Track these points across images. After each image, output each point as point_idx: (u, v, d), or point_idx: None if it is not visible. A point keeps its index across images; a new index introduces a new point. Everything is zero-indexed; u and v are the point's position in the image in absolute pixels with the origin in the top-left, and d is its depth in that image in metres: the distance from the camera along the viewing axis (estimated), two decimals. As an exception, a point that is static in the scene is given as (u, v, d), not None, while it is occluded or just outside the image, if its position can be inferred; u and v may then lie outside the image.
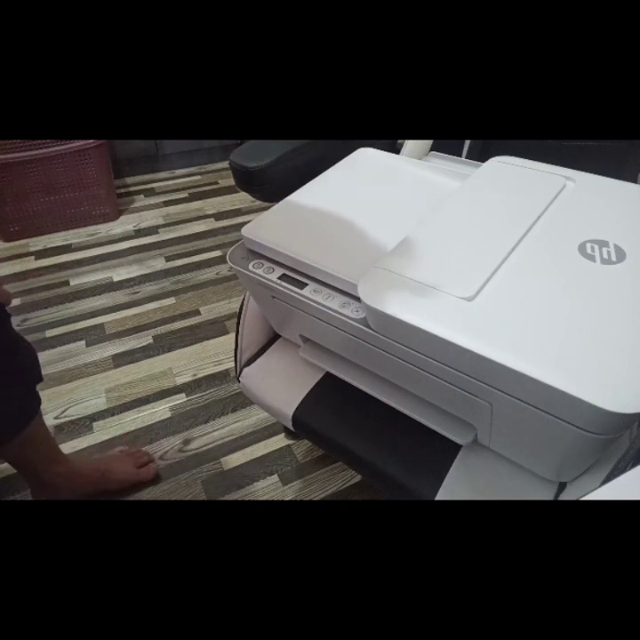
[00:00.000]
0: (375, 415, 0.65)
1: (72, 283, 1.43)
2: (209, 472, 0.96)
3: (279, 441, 1.02)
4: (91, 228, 1.66)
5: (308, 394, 0.69)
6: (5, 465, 0.89)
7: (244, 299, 0.73)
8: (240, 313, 0.73)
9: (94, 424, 1.05)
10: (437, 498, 0.56)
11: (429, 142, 0.86)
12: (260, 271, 0.59)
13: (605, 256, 0.49)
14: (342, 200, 0.65)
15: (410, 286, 0.48)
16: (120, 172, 1.90)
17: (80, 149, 1.51)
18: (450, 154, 0.83)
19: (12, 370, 0.68)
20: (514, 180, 0.62)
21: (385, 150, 0.75)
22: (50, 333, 1.26)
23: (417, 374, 0.52)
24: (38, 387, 0.75)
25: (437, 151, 0.85)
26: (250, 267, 0.60)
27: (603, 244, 0.50)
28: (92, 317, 1.31)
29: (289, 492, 0.93)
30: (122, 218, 1.71)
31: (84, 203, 1.62)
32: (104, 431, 1.03)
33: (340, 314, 0.53)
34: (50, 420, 1.04)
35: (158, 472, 0.96)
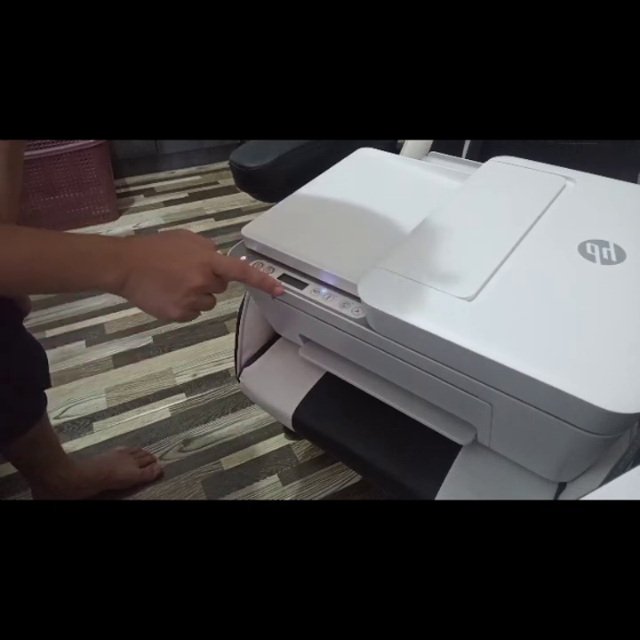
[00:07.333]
0: (375, 415, 0.65)
1: (72, 283, 1.43)
2: (209, 472, 0.96)
3: (279, 441, 1.01)
4: (91, 228, 1.66)
5: (307, 394, 0.69)
6: (5, 465, 0.89)
7: (243, 299, 0.73)
8: (240, 313, 0.73)
9: (94, 424, 1.05)
10: (437, 498, 0.56)
11: (429, 142, 0.86)
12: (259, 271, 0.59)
13: (605, 256, 0.49)
14: (342, 200, 0.65)
15: (410, 286, 0.47)
16: (120, 172, 1.90)
17: (80, 149, 1.51)
18: (450, 154, 0.83)
19: (22, 372, 0.68)
20: (514, 180, 0.61)
21: (385, 150, 0.75)
22: (50, 333, 1.26)
23: (417, 374, 0.52)
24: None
25: (437, 151, 0.85)
26: (250, 267, 0.60)
27: (603, 244, 0.50)
28: (92, 317, 1.31)
29: (289, 492, 0.93)
30: (122, 218, 1.71)
31: (84, 203, 1.62)
32: (104, 431, 1.03)
33: (340, 314, 0.53)
34: (50, 420, 1.04)
35: (162, 470, 0.96)
